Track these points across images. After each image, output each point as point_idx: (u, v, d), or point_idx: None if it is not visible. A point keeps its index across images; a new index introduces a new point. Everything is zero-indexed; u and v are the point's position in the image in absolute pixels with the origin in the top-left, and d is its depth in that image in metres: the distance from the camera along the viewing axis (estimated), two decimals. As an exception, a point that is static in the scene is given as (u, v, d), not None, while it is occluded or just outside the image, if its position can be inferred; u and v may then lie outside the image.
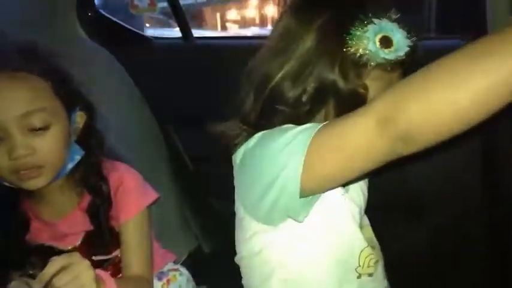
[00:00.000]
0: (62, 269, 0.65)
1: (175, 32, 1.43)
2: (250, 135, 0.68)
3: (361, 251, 0.71)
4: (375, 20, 0.61)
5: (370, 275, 0.73)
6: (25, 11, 1.14)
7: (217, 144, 0.72)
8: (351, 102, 0.57)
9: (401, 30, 0.62)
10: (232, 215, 0.74)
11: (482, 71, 0.45)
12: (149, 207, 0.88)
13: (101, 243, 0.85)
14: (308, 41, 0.64)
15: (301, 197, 0.60)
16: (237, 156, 0.70)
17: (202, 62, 1.28)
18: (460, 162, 0.97)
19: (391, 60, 0.61)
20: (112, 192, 0.84)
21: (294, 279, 0.70)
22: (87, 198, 0.83)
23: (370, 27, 0.61)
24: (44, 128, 0.74)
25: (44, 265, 0.66)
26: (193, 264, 1.11)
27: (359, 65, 0.62)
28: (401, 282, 0.79)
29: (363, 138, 0.53)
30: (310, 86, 0.64)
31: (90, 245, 0.84)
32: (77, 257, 0.67)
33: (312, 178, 0.59)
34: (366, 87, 0.64)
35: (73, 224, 0.83)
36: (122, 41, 1.41)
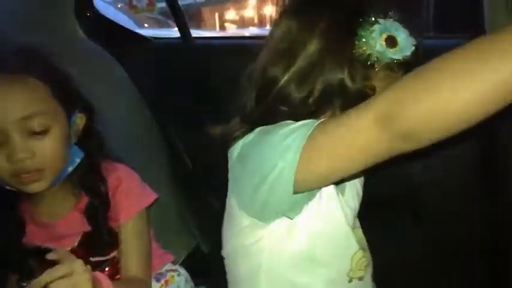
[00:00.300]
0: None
1: (174, 32, 1.43)
2: (249, 130, 0.68)
3: (354, 254, 0.71)
4: (380, 20, 0.61)
5: (360, 278, 0.73)
6: (24, 11, 1.14)
7: (217, 144, 0.72)
8: (358, 103, 0.56)
9: (404, 29, 0.62)
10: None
11: (484, 70, 0.45)
12: (148, 208, 0.87)
13: (99, 244, 0.84)
14: (313, 44, 0.64)
15: (294, 192, 0.60)
16: (235, 150, 0.70)
17: (201, 62, 1.28)
18: (459, 160, 0.97)
19: (398, 60, 0.61)
20: (110, 193, 0.84)
21: (282, 281, 0.70)
22: (84, 199, 0.83)
23: (376, 27, 0.61)
24: (44, 132, 0.74)
25: (40, 266, 0.65)
26: (192, 264, 1.11)
27: (367, 66, 0.62)
28: (400, 283, 0.79)
29: (362, 135, 0.53)
30: (317, 87, 0.64)
31: (88, 246, 0.84)
32: (77, 264, 0.67)
33: (306, 174, 0.58)
34: (373, 88, 0.64)
35: (70, 225, 0.83)
36: (121, 41, 1.41)
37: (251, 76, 0.70)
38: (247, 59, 0.71)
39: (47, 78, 0.76)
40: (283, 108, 0.65)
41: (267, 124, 0.66)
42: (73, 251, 0.83)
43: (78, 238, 0.84)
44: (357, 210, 0.76)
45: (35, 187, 0.75)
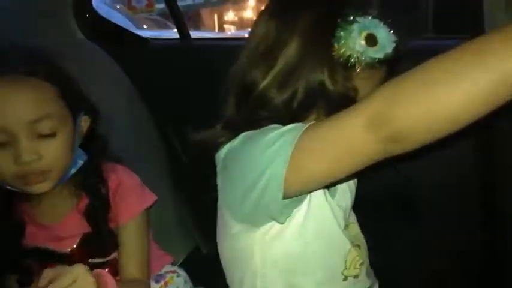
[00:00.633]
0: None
1: (173, 34, 1.43)
2: (234, 136, 0.66)
3: (347, 254, 0.71)
4: (358, 19, 0.60)
5: (355, 276, 0.72)
6: (23, 12, 1.14)
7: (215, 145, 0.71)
8: (341, 104, 0.55)
9: (383, 26, 0.61)
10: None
11: (475, 70, 0.45)
12: (148, 209, 0.87)
13: (99, 245, 0.84)
14: (292, 46, 0.63)
15: (284, 198, 0.59)
16: (221, 155, 0.68)
17: (200, 63, 1.28)
18: (456, 160, 0.96)
19: (380, 58, 0.60)
20: (110, 194, 0.84)
21: (277, 284, 0.69)
22: (84, 201, 0.83)
23: (355, 26, 0.60)
24: (52, 134, 0.74)
25: (40, 266, 0.65)
26: (192, 265, 1.11)
27: (347, 67, 0.61)
28: (396, 282, 0.79)
29: (354, 137, 0.52)
30: (299, 91, 0.62)
31: (87, 247, 0.84)
32: (78, 269, 0.67)
33: (296, 178, 0.57)
34: (355, 89, 0.63)
35: (70, 226, 0.83)
36: (120, 42, 1.41)
37: (231, 82, 0.69)
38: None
39: (55, 80, 0.75)
40: (265, 113, 0.64)
41: (250, 129, 0.64)
42: (72, 252, 0.84)
43: (78, 239, 0.84)
44: (350, 206, 0.75)
45: (39, 188, 0.75)
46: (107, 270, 0.87)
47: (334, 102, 0.61)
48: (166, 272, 0.98)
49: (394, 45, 0.61)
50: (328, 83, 0.62)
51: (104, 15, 1.44)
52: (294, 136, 0.57)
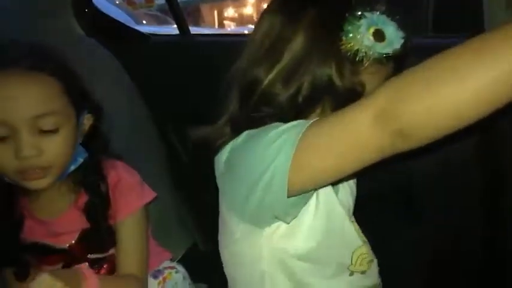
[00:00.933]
0: None
1: (173, 30, 1.43)
2: (237, 134, 0.66)
3: (355, 250, 0.71)
4: (366, 14, 0.60)
5: (362, 272, 0.72)
6: (22, 9, 1.14)
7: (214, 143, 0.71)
8: (348, 100, 0.55)
9: (392, 22, 0.61)
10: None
11: (484, 68, 0.45)
12: (146, 205, 0.87)
13: (97, 241, 0.84)
14: (298, 41, 0.62)
15: (288, 196, 0.58)
16: (222, 155, 0.67)
17: (200, 59, 1.28)
18: (459, 157, 0.96)
19: (388, 53, 0.60)
20: (110, 190, 0.83)
21: (286, 284, 0.69)
22: (84, 197, 0.83)
23: (363, 21, 0.59)
24: (54, 131, 0.73)
25: (38, 261, 0.65)
26: (190, 261, 1.11)
27: (355, 61, 0.60)
28: (397, 280, 0.79)
29: (360, 133, 0.51)
30: (304, 86, 0.62)
31: (86, 243, 0.84)
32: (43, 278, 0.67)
33: (300, 176, 0.56)
34: (362, 84, 0.62)
35: (69, 222, 0.83)
36: (120, 38, 1.40)
37: (234, 78, 0.68)
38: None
39: (60, 76, 0.75)
40: (269, 109, 0.63)
41: (253, 127, 0.64)
42: (71, 248, 0.84)
43: (77, 235, 0.84)
44: (352, 208, 0.75)
45: (37, 184, 0.75)
46: (105, 266, 0.87)
47: (341, 97, 0.61)
48: (165, 268, 0.98)
49: (402, 41, 0.60)
50: (335, 77, 0.61)
51: (104, 10, 1.44)
52: (297, 132, 0.56)
